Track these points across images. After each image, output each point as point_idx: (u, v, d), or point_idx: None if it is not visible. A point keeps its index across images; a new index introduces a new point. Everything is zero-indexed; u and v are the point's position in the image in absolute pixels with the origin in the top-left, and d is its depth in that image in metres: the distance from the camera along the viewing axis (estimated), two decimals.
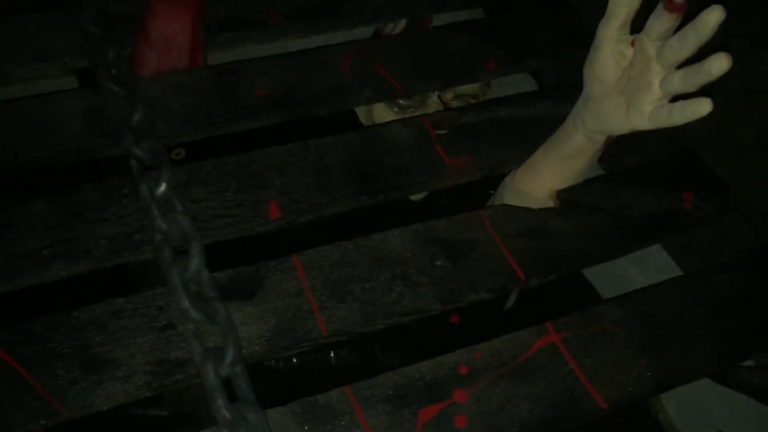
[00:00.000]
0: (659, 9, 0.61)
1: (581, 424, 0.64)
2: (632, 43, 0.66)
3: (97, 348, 0.63)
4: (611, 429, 0.71)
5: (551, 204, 0.81)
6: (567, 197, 0.81)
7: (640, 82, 0.65)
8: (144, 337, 0.65)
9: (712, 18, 0.57)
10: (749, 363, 0.77)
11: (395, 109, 1.02)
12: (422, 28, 1.04)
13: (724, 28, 0.58)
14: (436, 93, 1.01)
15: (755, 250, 0.83)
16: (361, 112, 1.07)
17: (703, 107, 0.60)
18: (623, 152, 0.89)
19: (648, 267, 0.87)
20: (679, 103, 0.63)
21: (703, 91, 0.62)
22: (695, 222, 0.81)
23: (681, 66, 0.63)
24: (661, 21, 0.61)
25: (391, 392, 0.65)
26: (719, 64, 0.58)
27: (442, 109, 1.01)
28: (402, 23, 1.05)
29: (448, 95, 1.03)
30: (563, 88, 0.92)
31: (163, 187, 0.70)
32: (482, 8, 1.15)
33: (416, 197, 1.06)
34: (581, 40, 0.73)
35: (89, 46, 0.83)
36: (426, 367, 0.67)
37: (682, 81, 0.62)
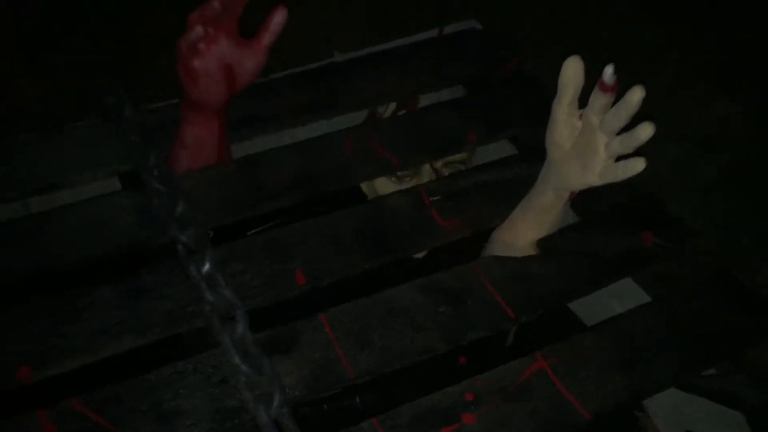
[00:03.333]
0: (596, 90, 0.77)
1: (563, 430, 0.77)
2: (580, 116, 0.82)
3: (168, 403, 0.77)
4: None
5: (533, 252, 0.95)
6: (546, 245, 0.95)
7: (589, 147, 0.80)
8: (204, 391, 0.79)
9: (636, 97, 0.73)
10: (711, 371, 0.89)
11: (393, 180, 1.18)
12: (411, 109, 1.20)
13: (687, 74, 0.75)
14: (428, 164, 1.16)
15: (713, 276, 0.97)
16: (364, 184, 1.23)
17: (638, 165, 0.75)
18: (591, 201, 1.03)
19: (624, 298, 1.01)
20: (621, 163, 0.78)
21: (638, 152, 0.77)
22: (654, 256, 0.95)
23: (620, 132, 0.78)
24: (598, 99, 0.77)
25: (411, 420, 0.78)
26: (646, 132, 0.73)
27: (434, 176, 1.16)
28: (392, 106, 1.21)
29: (439, 164, 1.18)
30: (537, 151, 1.08)
31: (207, 266, 0.85)
32: (463, 86, 1.31)
33: (418, 255, 1.21)
34: (549, 110, 0.88)
35: (133, 153, 1.00)
36: (438, 396, 0.80)
37: (621, 145, 0.77)
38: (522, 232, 0.95)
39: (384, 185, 1.17)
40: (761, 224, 1.42)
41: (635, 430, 0.95)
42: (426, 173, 1.17)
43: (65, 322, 0.84)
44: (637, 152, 0.77)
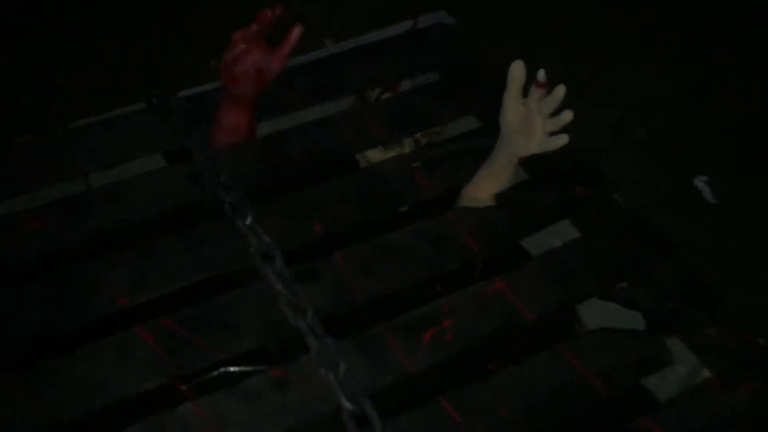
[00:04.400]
0: (534, 85, 1.07)
1: (515, 329, 1.08)
2: (524, 104, 1.12)
3: (230, 319, 1.07)
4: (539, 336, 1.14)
5: (492, 203, 1.25)
6: (502, 197, 1.26)
7: (530, 126, 1.11)
8: (256, 311, 1.08)
9: (560, 92, 1.04)
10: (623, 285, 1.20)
11: (381, 150, 1.47)
12: (393, 93, 1.49)
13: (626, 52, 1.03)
14: (410, 138, 1.46)
15: (630, 219, 1.28)
16: (359, 157, 1.52)
17: (563, 139, 1.06)
18: (536, 163, 1.34)
19: (561, 235, 1.31)
20: (553, 137, 1.09)
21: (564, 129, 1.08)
22: (584, 204, 1.27)
23: (551, 116, 1.09)
24: (535, 92, 1.07)
25: (406, 323, 1.09)
26: (567, 116, 1.04)
27: (415, 147, 1.46)
28: (377, 90, 1.50)
29: (418, 136, 1.48)
30: (496, 126, 1.37)
31: (249, 219, 1.14)
32: (438, 72, 1.59)
33: (402, 209, 1.50)
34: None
35: (181, 136, 1.27)
36: (425, 309, 1.11)
37: (552, 124, 1.08)
38: (484, 188, 1.25)
39: (374, 155, 1.46)
40: (674, 177, 1.74)
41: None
42: (408, 144, 1.46)
43: (147, 265, 1.13)
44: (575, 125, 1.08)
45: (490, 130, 1.32)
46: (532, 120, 1.10)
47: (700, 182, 1.70)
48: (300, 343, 1.03)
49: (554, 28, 2.00)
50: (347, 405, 0.97)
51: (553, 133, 1.10)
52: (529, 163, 1.24)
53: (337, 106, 1.47)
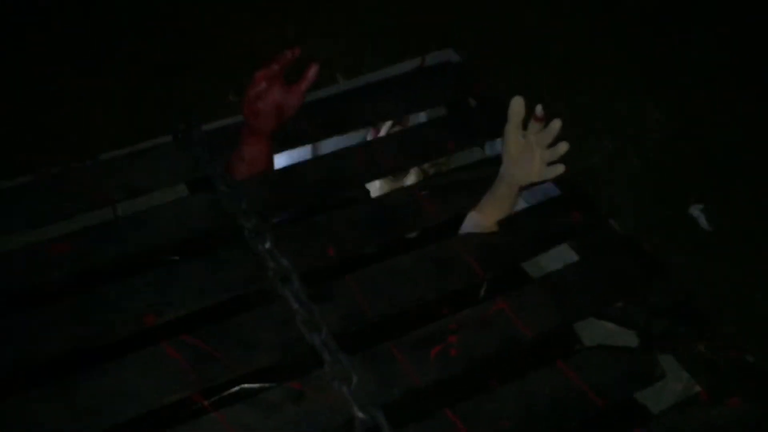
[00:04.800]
0: (532, 120, 1.16)
1: (516, 346, 1.15)
2: (523, 136, 1.20)
3: (249, 337, 1.14)
4: (539, 353, 1.21)
5: (495, 228, 1.33)
6: (504, 223, 1.34)
7: (530, 156, 1.19)
8: (274, 329, 1.15)
9: (556, 125, 1.12)
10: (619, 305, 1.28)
11: (391, 179, 1.56)
12: (403, 126, 1.58)
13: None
14: (416, 168, 1.55)
15: (623, 243, 1.36)
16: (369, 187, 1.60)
17: (559, 169, 1.15)
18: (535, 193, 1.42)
19: (560, 259, 1.38)
20: (550, 167, 1.17)
21: (561, 159, 1.16)
22: (581, 230, 1.34)
23: (549, 146, 1.17)
24: (534, 125, 1.16)
25: (415, 342, 1.16)
26: (563, 148, 1.12)
27: (422, 176, 1.54)
28: (389, 124, 1.59)
29: (425, 165, 1.57)
30: (498, 157, 1.46)
31: (268, 244, 1.23)
32: (445, 107, 1.69)
33: (411, 235, 1.58)
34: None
35: (203, 166, 1.36)
36: (432, 327, 1.18)
37: (550, 155, 1.16)
38: (487, 215, 1.33)
39: (385, 184, 1.55)
40: (664, 205, 1.81)
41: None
42: (416, 174, 1.55)
43: (172, 285, 1.21)
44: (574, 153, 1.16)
45: (492, 160, 1.41)
46: (531, 151, 1.19)
47: (695, 210, 1.77)
48: (315, 359, 1.10)
49: (554, 63, 2.10)
50: (360, 415, 1.05)
51: (550, 164, 1.18)
52: (528, 191, 1.32)
53: (350, 139, 1.56)
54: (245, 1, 2.47)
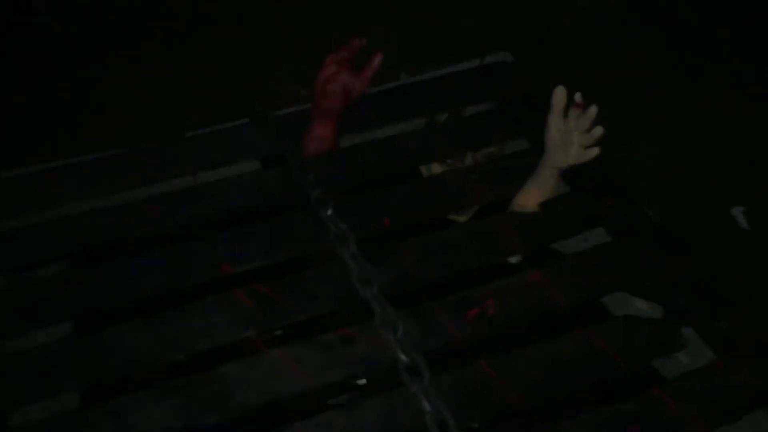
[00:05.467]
0: (572, 107, 1.28)
1: (548, 313, 1.27)
2: (564, 122, 1.33)
3: (311, 288, 1.30)
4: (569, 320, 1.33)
5: (537, 210, 1.46)
6: (545, 206, 1.46)
7: (569, 140, 1.32)
8: (331, 282, 1.31)
9: (593, 111, 1.24)
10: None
11: (446, 163, 1.70)
12: (459, 116, 1.72)
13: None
14: (470, 154, 1.68)
15: (655, 230, 1.46)
16: (423, 168, 1.75)
17: (594, 152, 1.27)
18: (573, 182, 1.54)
19: (592, 239, 1.49)
20: (587, 150, 1.29)
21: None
22: (617, 214, 1.46)
23: (587, 131, 1.30)
24: (573, 112, 1.28)
25: (455, 303, 1.30)
26: (598, 131, 1.25)
27: (473, 162, 1.68)
28: (445, 114, 1.73)
29: (478, 155, 1.70)
30: (542, 147, 1.58)
31: (330, 211, 1.39)
32: (497, 101, 1.82)
33: (463, 218, 1.71)
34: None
35: (277, 144, 1.53)
36: (474, 291, 1.32)
37: (587, 139, 1.29)
38: (530, 197, 1.46)
39: (438, 167, 1.69)
40: (703, 203, 1.89)
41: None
42: (468, 160, 1.68)
43: (244, 243, 1.38)
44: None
45: (535, 150, 1.54)
46: (570, 135, 1.31)
47: (736, 211, 1.85)
48: (366, 311, 1.25)
49: (602, 68, 2.20)
50: (402, 358, 1.19)
51: (587, 148, 1.30)
52: (569, 175, 1.44)
53: (409, 126, 1.71)
54: (322, 8, 2.68)
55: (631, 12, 2.51)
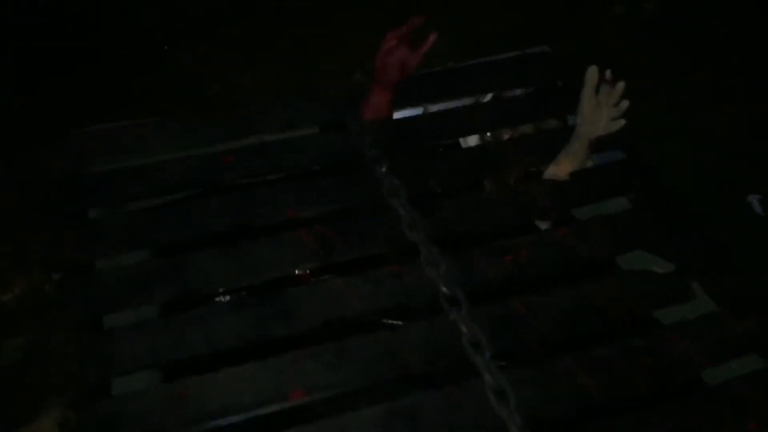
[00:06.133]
0: (603, 83, 1.46)
1: (574, 262, 1.44)
2: (595, 97, 1.51)
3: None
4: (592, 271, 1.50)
5: (568, 178, 1.63)
6: (575, 174, 1.63)
7: (598, 113, 1.50)
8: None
9: (620, 86, 1.42)
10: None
11: (486, 137, 1.88)
12: (502, 98, 1.90)
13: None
14: (509, 132, 1.86)
15: (671, 200, 1.63)
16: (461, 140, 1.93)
17: (621, 123, 1.45)
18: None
19: (617, 205, 1.67)
20: (615, 121, 1.47)
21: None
22: (638, 186, 1.63)
23: (615, 105, 1.47)
24: (603, 86, 1.46)
25: (495, 249, 1.48)
26: (625, 104, 1.42)
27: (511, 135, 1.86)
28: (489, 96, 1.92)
29: (515, 131, 1.88)
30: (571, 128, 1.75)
31: (384, 168, 1.58)
32: (535, 87, 2.00)
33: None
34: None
35: (336, 113, 1.73)
36: (507, 242, 1.50)
37: (615, 111, 1.46)
38: (562, 167, 1.64)
39: (480, 140, 1.88)
40: (722, 187, 2.04)
41: None
42: (506, 134, 1.87)
43: (311, 193, 1.57)
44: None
45: (568, 129, 1.72)
46: (600, 109, 1.49)
47: (753, 198, 1.99)
48: (413, 251, 1.44)
49: (631, 64, 2.37)
50: (444, 290, 1.37)
51: (615, 120, 1.48)
52: (598, 147, 1.62)
53: (455, 104, 1.89)
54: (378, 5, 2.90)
55: (663, 16, 2.68)
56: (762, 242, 1.84)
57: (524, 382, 1.28)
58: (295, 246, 1.47)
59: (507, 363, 1.33)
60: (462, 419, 1.24)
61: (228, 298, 1.48)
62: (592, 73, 1.49)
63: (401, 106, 1.82)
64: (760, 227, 1.92)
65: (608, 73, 1.45)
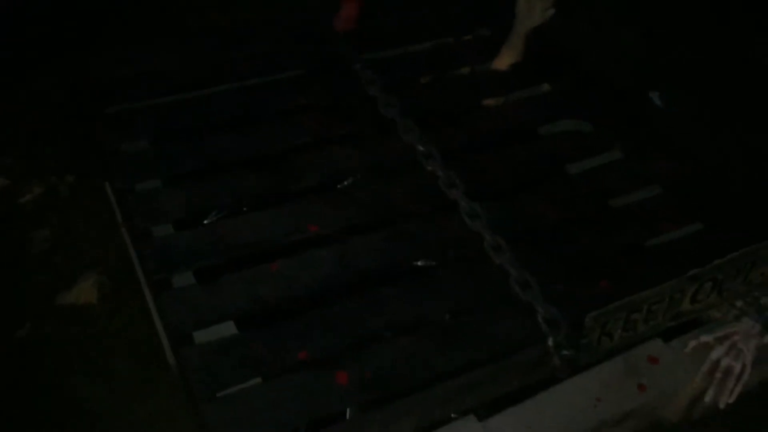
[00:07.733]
0: None
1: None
2: None
3: None
4: None
5: (509, 69, 2.00)
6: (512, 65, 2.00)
7: (532, 7, 1.86)
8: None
9: None
10: None
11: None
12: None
13: None
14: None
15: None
16: None
17: (552, 11, 1.83)
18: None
19: None
20: (546, 12, 1.85)
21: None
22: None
23: None
24: None
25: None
26: None
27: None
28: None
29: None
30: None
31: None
32: None
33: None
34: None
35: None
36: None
37: (547, 3, 1.84)
38: (504, 59, 2.02)
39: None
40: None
41: None
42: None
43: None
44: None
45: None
46: (533, 4, 1.86)
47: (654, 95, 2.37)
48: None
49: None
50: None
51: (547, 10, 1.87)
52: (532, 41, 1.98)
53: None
54: None
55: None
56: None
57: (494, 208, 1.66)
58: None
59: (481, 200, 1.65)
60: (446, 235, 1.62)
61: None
62: None
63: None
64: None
65: None
